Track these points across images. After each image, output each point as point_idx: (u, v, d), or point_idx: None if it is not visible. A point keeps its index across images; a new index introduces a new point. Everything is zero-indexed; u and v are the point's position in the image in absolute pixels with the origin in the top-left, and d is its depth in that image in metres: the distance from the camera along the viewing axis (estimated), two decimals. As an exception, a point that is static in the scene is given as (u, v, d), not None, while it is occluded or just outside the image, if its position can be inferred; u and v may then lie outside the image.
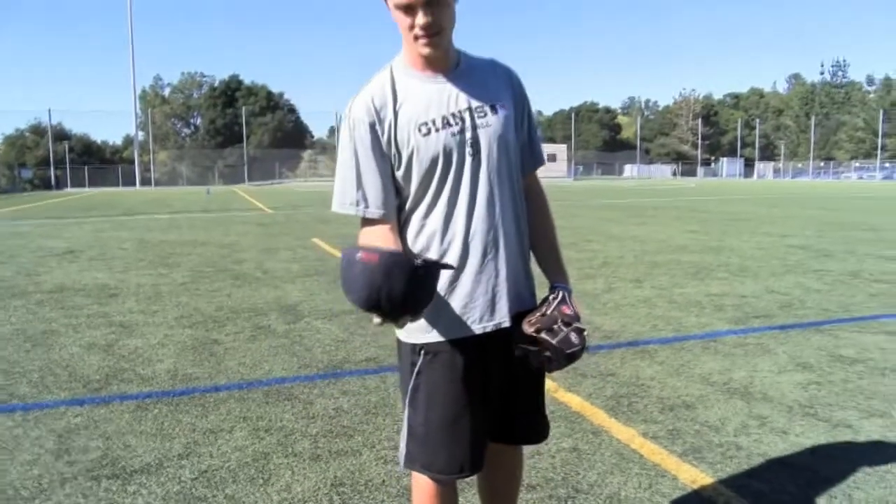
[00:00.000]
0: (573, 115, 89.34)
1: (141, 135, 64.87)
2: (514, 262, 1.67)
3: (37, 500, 2.57)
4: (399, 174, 1.61)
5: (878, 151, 73.56)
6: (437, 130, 1.57)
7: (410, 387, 1.67)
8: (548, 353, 1.56)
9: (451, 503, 1.77)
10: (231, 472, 2.76)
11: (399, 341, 1.72)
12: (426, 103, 1.59)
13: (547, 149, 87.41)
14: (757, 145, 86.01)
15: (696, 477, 2.65)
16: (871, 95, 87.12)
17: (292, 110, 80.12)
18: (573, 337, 1.57)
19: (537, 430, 1.82)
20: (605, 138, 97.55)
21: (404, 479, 2.67)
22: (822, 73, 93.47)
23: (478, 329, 1.63)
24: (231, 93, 75.13)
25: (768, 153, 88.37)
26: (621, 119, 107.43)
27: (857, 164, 75.25)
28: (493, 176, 1.62)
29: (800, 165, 79.76)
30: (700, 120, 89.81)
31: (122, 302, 6.34)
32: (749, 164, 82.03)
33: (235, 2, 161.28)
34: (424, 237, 1.63)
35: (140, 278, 7.69)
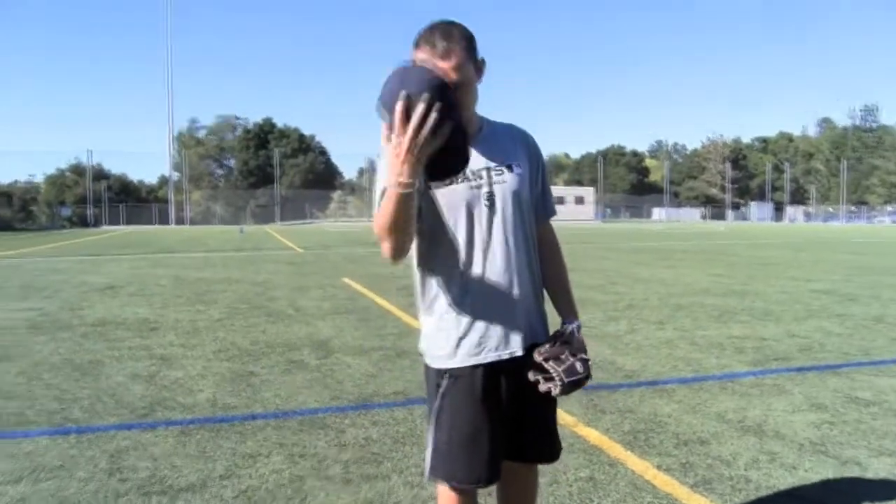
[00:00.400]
0: (601, 159, 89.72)
1: (176, 175, 66.58)
2: (527, 300, 1.90)
3: (93, 513, 2.81)
4: (424, 216, 1.82)
5: (912, 196, 72.57)
6: (458, 183, 1.80)
7: (436, 407, 1.89)
8: (555, 379, 1.78)
9: None
10: (269, 492, 2.98)
11: (426, 367, 1.94)
12: None
13: (574, 192, 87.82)
14: (787, 189, 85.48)
15: (706, 506, 2.81)
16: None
17: (323, 152, 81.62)
18: (578, 366, 1.80)
19: (549, 450, 2.02)
20: (633, 181, 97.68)
21: (430, 501, 2.86)
22: (851, 118, 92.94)
23: (492, 357, 1.84)
24: (264, 135, 76.91)
25: (798, 197, 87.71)
26: (649, 162, 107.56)
27: (891, 209, 74.30)
28: (507, 225, 1.85)
29: (831, 209, 79.00)
30: (729, 164, 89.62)
31: (162, 335, 6.64)
32: (779, 208, 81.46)
33: (270, 48, 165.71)
34: (447, 274, 1.85)
35: (178, 314, 8.01)
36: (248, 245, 24.13)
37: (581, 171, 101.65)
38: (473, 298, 1.84)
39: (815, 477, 3.11)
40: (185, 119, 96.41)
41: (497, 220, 1.84)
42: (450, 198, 1.82)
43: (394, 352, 5.82)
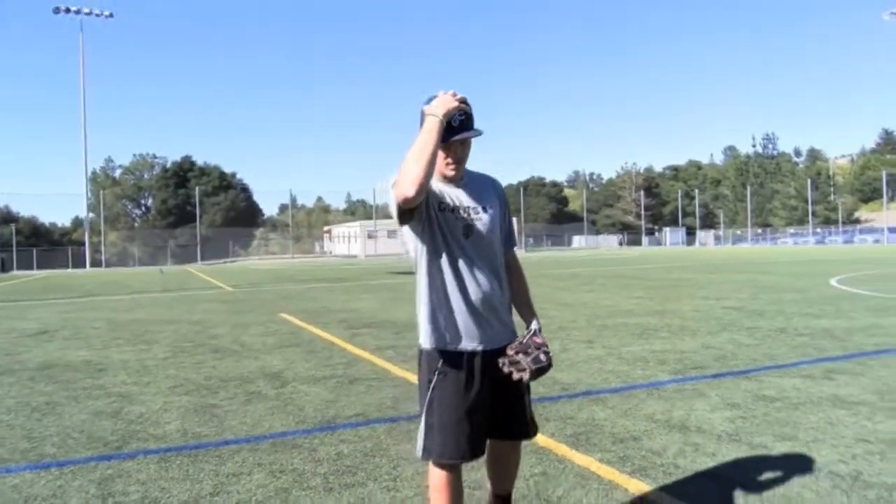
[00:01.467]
0: (522, 190, 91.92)
1: (91, 216, 64.44)
2: (497, 308, 2.45)
3: (98, 531, 3.05)
4: (431, 235, 2.40)
5: (810, 218, 77.47)
6: (450, 211, 2.39)
7: (427, 398, 2.39)
8: (525, 368, 2.25)
9: (458, 485, 2.43)
10: (260, 502, 3.29)
11: (419, 365, 2.46)
12: (447, 195, 2.42)
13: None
14: (697, 214, 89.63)
15: (643, 489, 3.29)
16: (800, 166, 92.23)
17: (245, 189, 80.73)
18: (542, 357, 2.32)
19: (526, 430, 2.55)
20: (554, 211, 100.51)
21: (407, 500, 3.24)
22: (753, 146, 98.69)
23: (470, 347, 2.38)
24: (183, 173, 75.60)
25: (708, 222, 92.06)
26: (568, 192, 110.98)
27: (792, 231, 78.98)
28: (482, 251, 2.43)
29: (739, 233, 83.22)
30: (642, 192, 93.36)
31: (113, 375, 6.75)
32: (690, 233, 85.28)
33: (189, 85, 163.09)
34: (439, 281, 2.41)
35: (122, 354, 8.08)
36: (173, 286, 23.77)
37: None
38: (459, 303, 2.38)
39: (731, 460, 3.66)
40: (101, 158, 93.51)
41: (473, 246, 2.39)
42: (446, 224, 2.38)
43: (346, 379, 6.15)
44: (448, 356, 2.39)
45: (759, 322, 9.00)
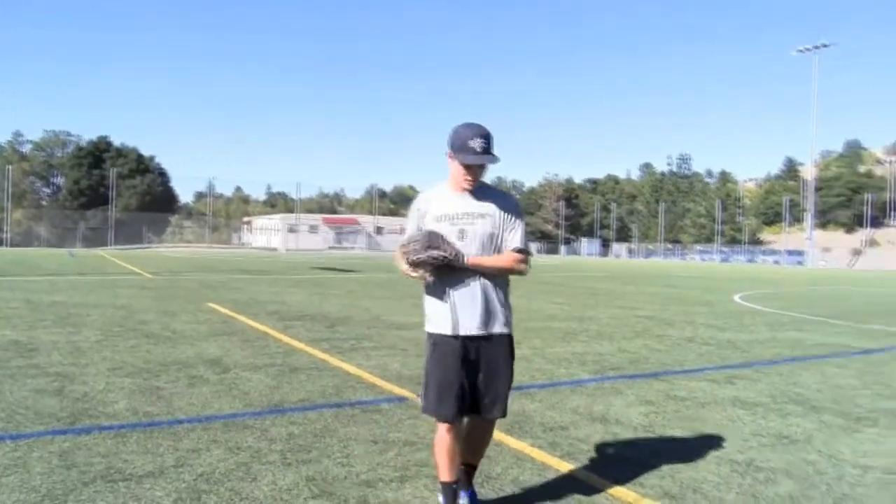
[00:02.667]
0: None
1: (-6, 192, 61.10)
2: (485, 300, 2.91)
3: (69, 497, 3.23)
4: None
5: (717, 237, 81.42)
6: (447, 220, 2.91)
7: (424, 368, 2.95)
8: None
9: (456, 435, 2.95)
10: (223, 474, 3.54)
11: (427, 341, 3.03)
12: (449, 205, 2.92)
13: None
14: (613, 227, 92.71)
15: (571, 468, 3.72)
16: (711, 186, 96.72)
17: (163, 174, 78.25)
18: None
19: (498, 409, 2.99)
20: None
21: (362, 474, 3.56)
22: (669, 164, 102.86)
23: (462, 332, 2.89)
24: (99, 154, 72.63)
25: (623, 235, 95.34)
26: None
27: (700, 248, 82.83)
28: (475, 251, 2.90)
29: (651, 247, 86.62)
30: (562, 202, 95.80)
31: (46, 356, 6.73)
32: (606, 245, 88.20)
33: (109, 63, 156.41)
34: (441, 277, 2.89)
35: (51, 336, 8.00)
36: (88, 269, 23.05)
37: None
38: (454, 294, 2.88)
39: (646, 448, 4.14)
40: (8, 132, 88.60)
41: (466, 247, 2.87)
42: (443, 229, 2.88)
43: (287, 368, 6.38)
44: (437, 338, 2.96)
45: (668, 331, 9.71)
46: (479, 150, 2.83)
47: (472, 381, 2.92)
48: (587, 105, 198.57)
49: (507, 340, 3.04)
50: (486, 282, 2.93)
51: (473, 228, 2.91)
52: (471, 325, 2.90)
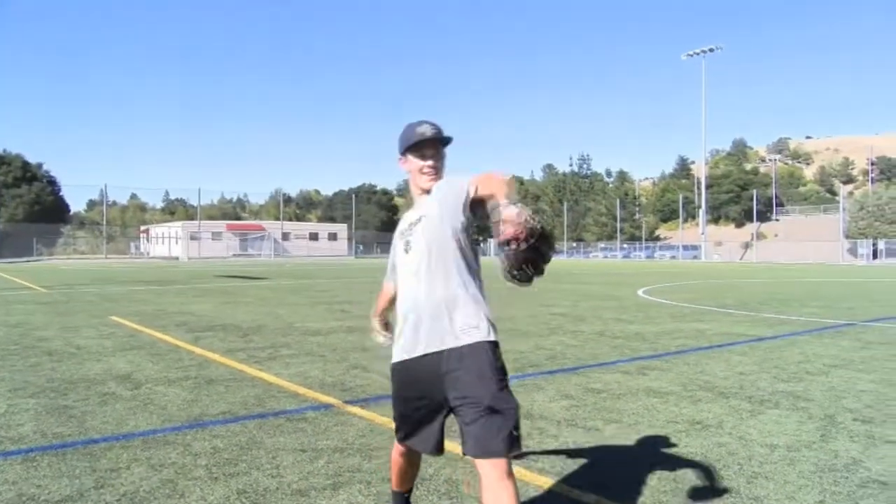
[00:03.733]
0: (353, 196, 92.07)
1: None
2: (431, 313, 2.53)
3: (-20, 526, 3.04)
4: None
5: (618, 234, 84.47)
6: (399, 236, 2.74)
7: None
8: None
9: (401, 458, 2.87)
10: (148, 492, 3.41)
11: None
12: (404, 219, 2.77)
13: (328, 228, 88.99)
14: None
15: (501, 465, 3.80)
16: (610, 185, 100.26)
17: (52, 182, 74.06)
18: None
19: (439, 446, 2.67)
20: (384, 219, 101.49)
21: (293, 484, 3.51)
22: (570, 165, 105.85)
23: (397, 358, 2.63)
24: (-22, 161, 67.93)
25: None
26: (398, 200, 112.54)
27: (602, 245, 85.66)
28: (423, 259, 2.57)
29: (556, 246, 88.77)
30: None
31: (-64, 380, 6.28)
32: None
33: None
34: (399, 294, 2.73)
35: (-61, 358, 7.46)
36: (-27, 286, 21.54)
37: (333, 207, 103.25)
38: (399, 319, 2.65)
39: (570, 441, 4.28)
40: None
41: (413, 259, 2.60)
42: (395, 251, 2.75)
43: (203, 380, 6.19)
44: (392, 366, 2.68)
45: (581, 326, 10.02)
46: (429, 133, 2.61)
47: (407, 411, 2.72)
48: (490, 107, 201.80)
49: None
50: (441, 281, 2.63)
51: (414, 236, 2.61)
52: (408, 347, 2.65)
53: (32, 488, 3.48)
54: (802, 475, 3.65)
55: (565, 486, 3.51)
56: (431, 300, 2.52)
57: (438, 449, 2.64)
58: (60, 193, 78.26)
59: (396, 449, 2.85)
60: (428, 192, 2.65)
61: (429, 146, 2.64)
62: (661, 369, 6.67)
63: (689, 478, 3.64)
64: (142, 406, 5.22)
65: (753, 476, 3.65)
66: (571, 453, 4.03)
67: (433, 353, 2.48)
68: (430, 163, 2.65)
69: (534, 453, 4.03)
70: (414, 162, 2.66)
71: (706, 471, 3.74)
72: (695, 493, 3.43)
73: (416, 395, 2.57)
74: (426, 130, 2.63)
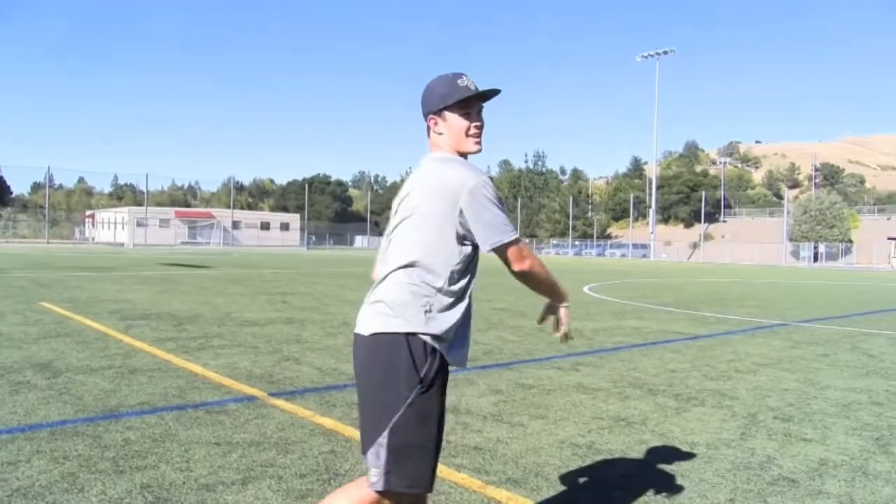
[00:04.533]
0: (307, 186, 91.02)
1: None
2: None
3: None
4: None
5: (570, 231, 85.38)
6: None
7: (421, 422, 2.18)
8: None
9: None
10: (44, 487, 3.25)
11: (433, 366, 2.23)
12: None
13: (280, 218, 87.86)
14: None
15: (419, 461, 3.74)
16: (564, 183, 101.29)
17: (-9, 163, 71.38)
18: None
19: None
20: (338, 210, 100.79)
21: (201, 478, 3.39)
22: (526, 161, 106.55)
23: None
24: (-89, 138, 64.98)
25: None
26: (352, 192, 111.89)
27: (555, 242, 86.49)
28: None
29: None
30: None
31: None
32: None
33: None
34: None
35: None
36: None
37: (286, 197, 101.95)
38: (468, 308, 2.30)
39: (494, 436, 4.24)
40: None
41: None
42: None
43: (126, 369, 5.98)
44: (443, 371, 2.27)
45: (521, 322, 10.04)
46: (473, 87, 2.21)
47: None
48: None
49: None
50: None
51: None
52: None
53: (-80, 482, 3.29)
54: (718, 473, 3.68)
55: (479, 481, 3.46)
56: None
57: None
58: (0, 174, 75.61)
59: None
60: (469, 156, 2.29)
61: (476, 103, 2.25)
62: (595, 366, 6.70)
63: (606, 476, 3.63)
64: (56, 395, 5.01)
65: (671, 474, 3.66)
66: (491, 449, 3.99)
67: None
68: (478, 123, 2.26)
69: (452, 448, 3.97)
70: (457, 121, 2.23)
71: (625, 468, 3.74)
72: (608, 490, 3.42)
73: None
74: (470, 84, 2.22)
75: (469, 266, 2.27)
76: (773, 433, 4.50)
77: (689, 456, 3.97)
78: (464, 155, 2.27)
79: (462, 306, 2.24)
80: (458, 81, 2.21)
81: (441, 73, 2.29)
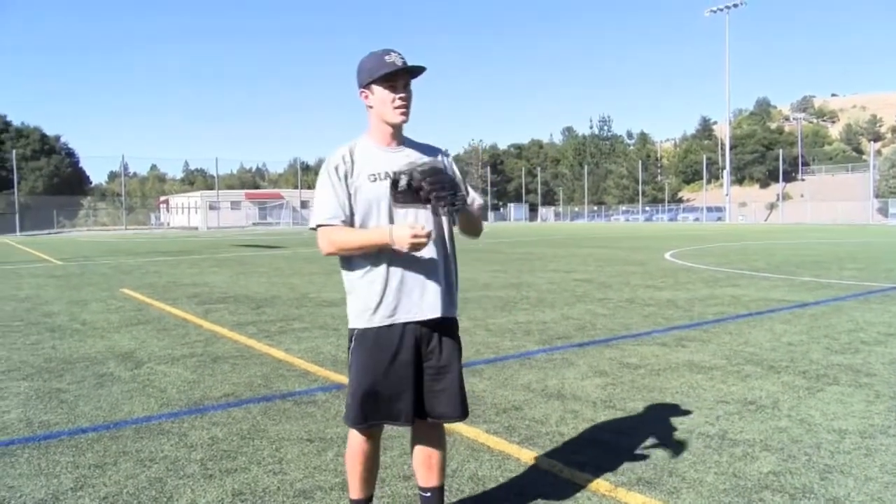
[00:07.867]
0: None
1: None
2: (449, 271, 2.49)
3: (-63, 539, 2.65)
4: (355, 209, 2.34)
5: (640, 197, 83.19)
6: (381, 179, 2.32)
7: (348, 363, 2.48)
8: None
9: (367, 450, 2.62)
10: (132, 495, 3.00)
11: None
12: (377, 162, 2.34)
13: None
14: (539, 191, 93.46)
15: (533, 456, 3.34)
16: (631, 148, 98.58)
17: (70, 154, 74.18)
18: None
19: (453, 410, 2.49)
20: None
21: (297, 483, 3.09)
22: (591, 127, 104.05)
23: (388, 321, 2.38)
24: (-4, 134, 68.06)
25: (549, 198, 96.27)
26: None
27: (624, 208, 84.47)
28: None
29: (576, 209, 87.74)
30: (488, 168, 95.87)
31: (-71, 360, 5.94)
32: (533, 209, 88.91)
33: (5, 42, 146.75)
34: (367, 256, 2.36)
35: (-62, 336, 7.14)
36: (-10, 259, 21.42)
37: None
38: (391, 273, 2.35)
39: (609, 426, 3.81)
40: None
41: (410, 216, 2.36)
42: (372, 193, 2.32)
43: (208, 358, 5.79)
44: (365, 331, 2.40)
45: (608, 293, 9.51)
46: (399, 62, 2.32)
47: (417, 378, 2.41)
48: (509, 71, 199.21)
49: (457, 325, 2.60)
50: (448, 250, 2.47)
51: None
52: (405, 309, 2.37)
53: (4, 490, 3.09)
54: (885, 469, 3.16)
55: (607, 483, 3.04)
56: (434, 264, 2.44)
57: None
58: (80, 165, 78.45)
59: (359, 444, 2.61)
60: (396, 127, 2.41)
61: (401, 77, 2.35)
62: (701, 340, 6.16)
63: (751, 473, 3.15)
64: (140, 389, 4.83)
65: (826, 470, 3.16)
66: (611, 442, 3.56)
67: (452, 318, 2.55)
68: (402, 94, 2.36)
69: (567, 443, 3.56)
70: (383, 94, 2.36)
71: (771, 464, 3.25)
72: (758, 490, 2.94)
73: (419, 361, 2.50)
74: (396, 59, 2.33)
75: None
76: (932, 416, 3.91)
77: (842, 448, 3.44)
78: (392, 125, 2.39)
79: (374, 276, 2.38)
80: (386, 58, 2.33)
81: (372, 51, 2.39)
